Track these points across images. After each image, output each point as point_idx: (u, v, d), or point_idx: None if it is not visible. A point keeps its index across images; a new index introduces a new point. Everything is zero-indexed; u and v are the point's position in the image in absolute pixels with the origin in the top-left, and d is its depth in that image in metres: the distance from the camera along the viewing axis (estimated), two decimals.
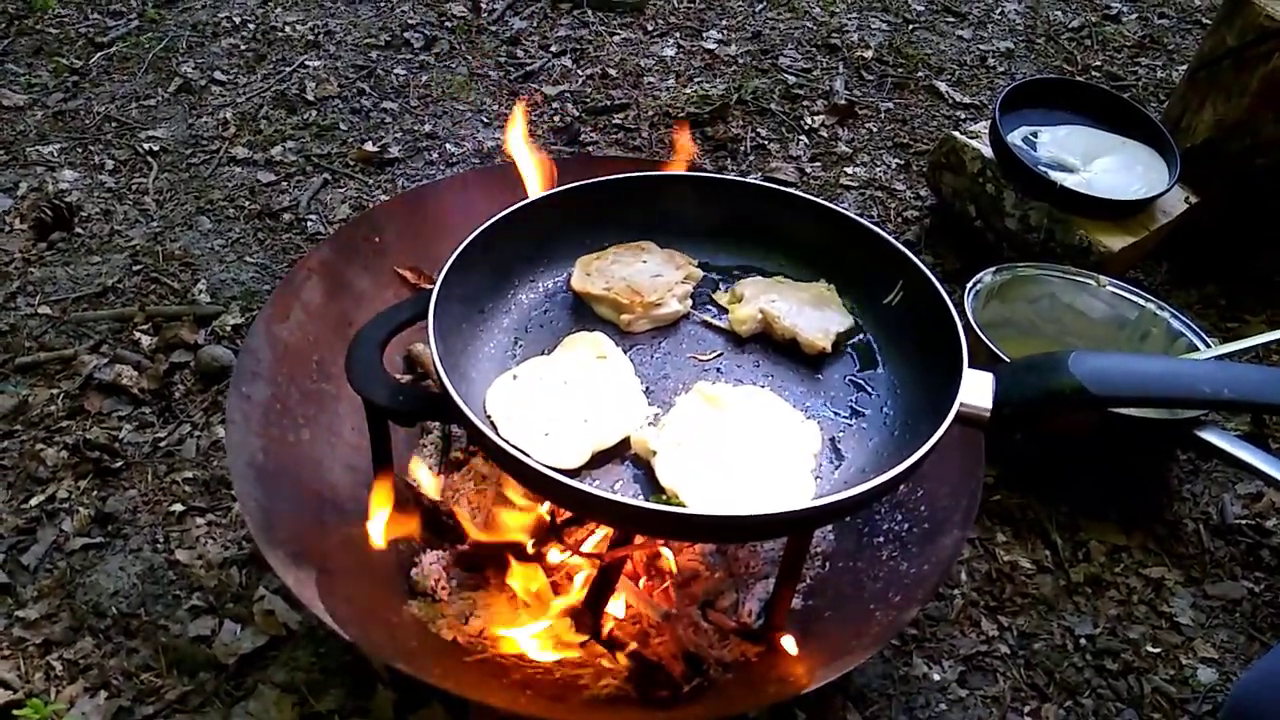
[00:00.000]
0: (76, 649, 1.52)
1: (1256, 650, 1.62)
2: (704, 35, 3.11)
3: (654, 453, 1.14)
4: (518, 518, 1.43)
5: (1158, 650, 1.62)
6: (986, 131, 2.23)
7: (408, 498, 1.48)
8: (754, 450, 1.14)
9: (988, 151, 2.21)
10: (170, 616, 1.56)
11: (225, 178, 2.45)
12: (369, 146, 2.54)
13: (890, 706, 1.51)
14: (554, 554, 1.42)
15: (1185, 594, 1.70)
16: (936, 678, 1.55)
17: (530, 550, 1.39)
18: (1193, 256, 2.30)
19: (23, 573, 1.61)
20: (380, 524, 1.31)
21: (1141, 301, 1.93)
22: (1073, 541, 1.77)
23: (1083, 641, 1.62)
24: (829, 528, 1.56)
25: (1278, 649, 1.20)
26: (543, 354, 1.28)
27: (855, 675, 1.53)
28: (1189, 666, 1.59)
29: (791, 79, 2.92)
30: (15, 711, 1.41)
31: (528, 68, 2.88)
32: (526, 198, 1.37)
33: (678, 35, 3.10)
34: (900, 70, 3.00)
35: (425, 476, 1.52)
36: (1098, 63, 3.08)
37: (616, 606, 1.39)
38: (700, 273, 1.40)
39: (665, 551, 1.45)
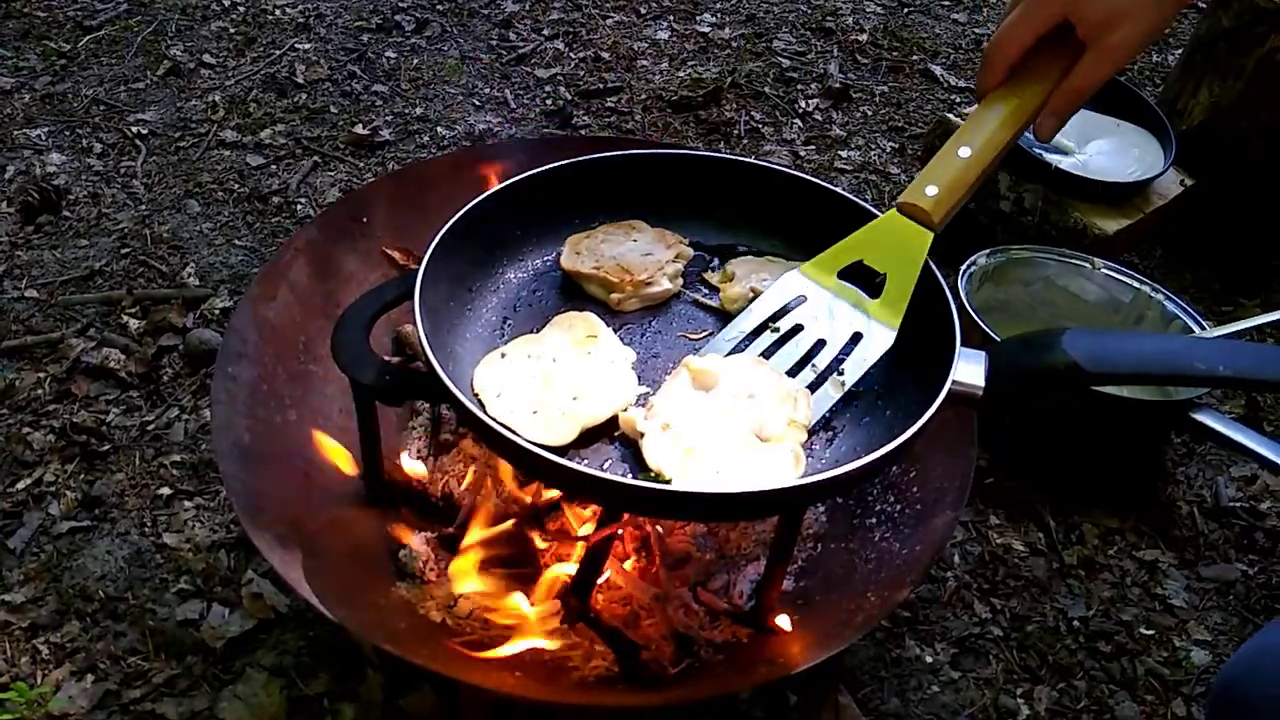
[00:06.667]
0: (63, 632, 1.51)
1: (1249, 632, 1.62)
2: (698, 18, 3.09)
3: (641, 434, 1.12)
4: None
5: (1151, 632, 1.61)
6: None
7: (395, 479, 1.47)
8: (744, 428, 1.13)
9: None
10: (158, 600, 1.55)
11: (214, 161, 2.43)
12: (359, 129, 2.53)
13: (882, 688, 1.50)
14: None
15: (1179, 576, 1.70)
16: (929, 660, 1.55)
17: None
18: (1188, 239, 2.29)
19: (9, 556, 1.60)
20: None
21: (1136, 284, 1.92)
22: (1066, 524, 1.76)
23: (1075, 624, 1.62)
24: (820, 508, 1.55)
25: (1267, 630, 1.19)
26: (531, 333, 1.27)
27: (847, 657, 1.52)
28: (1182, 648, 1.59)
29: (786, 62, 2.90)
30: (1, 695, 1.40)
31: (520, 50, 2.86)
32: (515, 176, 1.36)
33: (671, 18, 3.08)
34: (895, 54, 2.98)
35: (413, 458, 1.51)
36: None
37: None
38: (691, 251, 1.39)
39: (653, 531, 1.43)
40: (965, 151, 1.15)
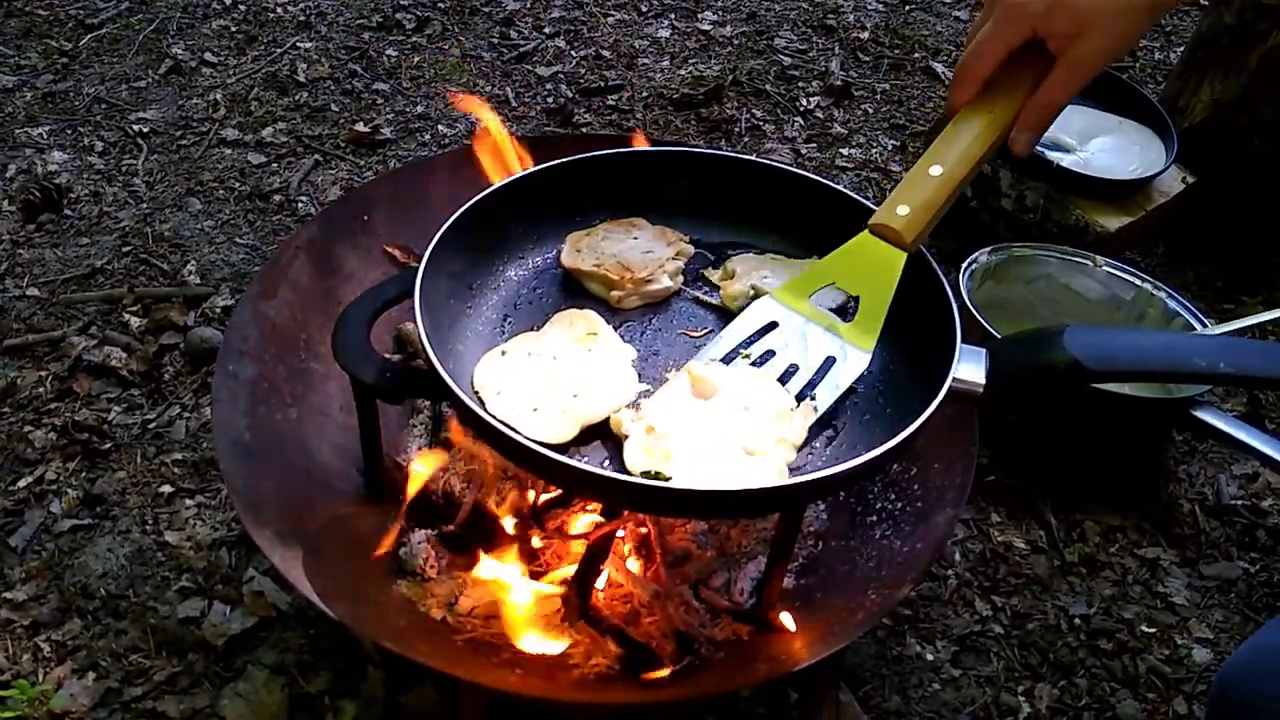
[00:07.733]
0: (64, 630, 1.51)
1: (1251, 630, 1.62)
2: (699, 16, 3.09)
3: (626, 435, 1.12)
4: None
5: (1152, 630, 1.61)
6: None
7: (397, 477, 1.47)
8: (731, 439, 1.12)
9: None
10: (159, 598, 1.55)
11: (215, 159, 2.43)
12: (360, 128, 2.53)
13: (883, 686, 1.50)
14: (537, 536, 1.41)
15: (1180, 574, 1.69)
16: (930, 657, 1.55)
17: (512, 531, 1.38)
18: (1190, 237, 2.28)
19: (10, 554, 1.60)
20: None
21: (1138, 282, 1.92)
22: (1067, 522, 1.76)
23: (1077, 622, 1.62)
24: (821, 506, 1.55)
25: (1267, 628, 1.19)
26: (532, 330, 1.27)
27: (848, 655, 1.52)
28: (1184, 646, 1.59)
29: (787, 60, 2.90)
30: (2, 693, 1.40)
31: (521, 49, 2.86)
32: (515, 174, 1.36)
33: (672, 16, 3.08)
34: (896, 51, 2.98)
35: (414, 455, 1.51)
36: None
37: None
38: (691, 249, 1.39)
39: (652, 529, 1.43)
40: (937, 170, 1.14)
